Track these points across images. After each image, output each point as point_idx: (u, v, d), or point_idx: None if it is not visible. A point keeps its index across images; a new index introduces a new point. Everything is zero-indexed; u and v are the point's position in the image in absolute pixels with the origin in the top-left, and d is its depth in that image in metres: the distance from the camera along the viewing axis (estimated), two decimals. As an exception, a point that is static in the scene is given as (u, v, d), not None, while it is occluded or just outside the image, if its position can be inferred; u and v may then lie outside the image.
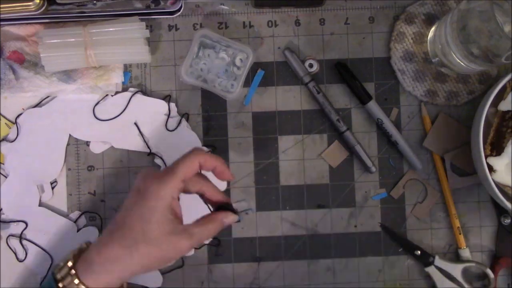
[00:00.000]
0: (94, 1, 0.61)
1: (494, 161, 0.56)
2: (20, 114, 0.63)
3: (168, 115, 0.63)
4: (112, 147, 0.63)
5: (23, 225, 0.62)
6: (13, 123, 0.63)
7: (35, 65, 0.61)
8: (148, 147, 0.63)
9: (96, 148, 0.64)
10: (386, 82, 0.65)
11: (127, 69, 0.64)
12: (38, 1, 0.59)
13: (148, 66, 0.64)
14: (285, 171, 0.64)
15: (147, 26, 0.61)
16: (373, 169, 0.64)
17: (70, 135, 0.63)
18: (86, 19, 0.61)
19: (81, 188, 0.64)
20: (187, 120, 0.64)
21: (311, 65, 0.64)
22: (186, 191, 0.53)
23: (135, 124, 0.63)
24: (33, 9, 0.59)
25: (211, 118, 0.64)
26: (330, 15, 0.64)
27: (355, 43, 0.64)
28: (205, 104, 0.64)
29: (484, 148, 0.57)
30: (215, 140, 0.64)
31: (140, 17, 0.61)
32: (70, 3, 0.60)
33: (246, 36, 0.64)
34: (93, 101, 0.63)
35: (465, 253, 0.64)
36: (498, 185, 0.57)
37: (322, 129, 0.64)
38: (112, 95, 0.63)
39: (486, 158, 0.56)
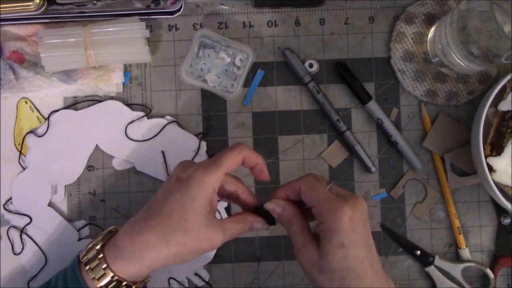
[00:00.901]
0: (94, 1, 0.61)
1: (494, 161, 0.56)
2: (55, 112, 0.63)
3: (196, 153, 0.63)
4: (134, 167, 0.63)
5: (27, 220, 0.62)
6: (45, 119, 0.63)
7: (35, 65, 0.61)
8: None
9: (119, 165, 0.64)
10: (386, 82, 0.65)
11: (127, 69, 0.64)
12: (38, 1, 0.59)
13: (148, 66, 0.64)
14: (285, 171, 0.64)
15: (147, 26, 0.61)
16: (373, 169, 0.64)
17: (96, 145, 0.63)
18: (86, 19, 0.62)
19: (81, 188, 0.64)
20: None
21: (311, 65, 0.64)
22: (221, 191, 0.51)
23: (162, 152, 0.63)
24: (33, 9, 0.59)
25: (211, 118, 0.64)
26: (330, 15, 0.64)
27: (355, 43, 0.64)
28: (205, 104, 0.64)
29: (484, 148, 0.57)
30: (215, 140, 0.64)
31: (140, 17, 0.61)
32: (70, 3, 0.60)
33: (246, 36, 0.64)
34: (129, 118, 0.63)
35: (465, 253, 0.64)
36: (498, 185, 0.57)
37: (322, 129, 0.64)
38: (147, 118, 0.63)
39: (486, 158, 0.56)
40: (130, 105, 0.63)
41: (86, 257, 0.49)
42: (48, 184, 0.63)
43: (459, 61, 0.59)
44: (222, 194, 0.52)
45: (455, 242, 0.64)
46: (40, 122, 0.63)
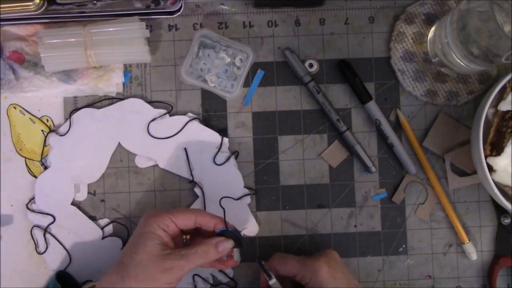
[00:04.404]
0: (94, 1, 0.61)
1: (494, 161, 0.56)
2: (76, 110, 0.63)
3: (219, 149, 0.63)
4: (156, 165, 0.63)
5: (50, 219, 0.62)
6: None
7: (35, 65, 0.61)
8: (192, 175, 0.63)
9: (141, 162, 0.63)
10: (386, 82, 0.65)
11: (127, 69, 0.64)
12: (38, 1, 0.59)
13: (148, 66, 0.64)
14: (285, 171, 0.64)
15: (147, 26, 0.61)
16: (373, 169, 0.64)
17: (119, 143, 0.63)
18: (86, 19, 0.62)
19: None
20: (236, 158, 0.63)
21: (311, 65, 0.64)
22: (183, 229, 0.56)
23: (185, 149, 0.63)
24: (33, 9, 0.59)
25: (211, 118, 0.64)
26: (330, 15, 0.64)
27: (355, 43, 0.64)
28: (205, 104, 0.64)
29: (484, 148, 0.57)
30: (215, 140, 0.64)
31: (140, 17, 0.61)
32: (70, 3, 0.60)
33: (246, 36, 0.64)
34: (151, 116, 0.63)
35: (470, 248, 0.63)
36: (498, 185, 0.57)
37: (322, 129, 0.64)
38: (170, 115, 0.63)
39: (486, 158, 0.56)
40: (151, 103, 0.63)
41: None
42: (71, 183, 0.63)
43: (459, 61, 0.59)
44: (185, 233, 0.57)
45: (455, 242, 0.64)
46: (34, 123, 0.63)
